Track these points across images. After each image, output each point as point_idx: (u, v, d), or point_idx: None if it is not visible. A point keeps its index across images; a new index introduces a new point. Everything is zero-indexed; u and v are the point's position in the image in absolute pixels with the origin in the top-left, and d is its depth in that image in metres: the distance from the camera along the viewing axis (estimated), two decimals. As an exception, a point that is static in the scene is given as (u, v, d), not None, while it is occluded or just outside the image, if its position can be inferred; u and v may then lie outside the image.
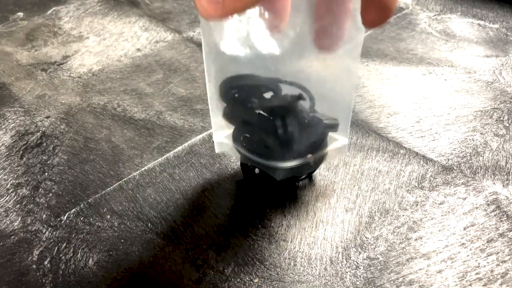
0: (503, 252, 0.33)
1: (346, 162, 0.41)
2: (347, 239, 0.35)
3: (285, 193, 0.39)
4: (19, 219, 0.37)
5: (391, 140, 0.44)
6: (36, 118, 0.47)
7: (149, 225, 0.36)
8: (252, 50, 0.27)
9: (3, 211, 0.37)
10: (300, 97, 0.31)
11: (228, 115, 0.33)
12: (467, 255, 0.33)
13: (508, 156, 0.42)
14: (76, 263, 0.33)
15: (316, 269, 0.33)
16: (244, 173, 0.39)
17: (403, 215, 0.36)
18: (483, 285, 0.31)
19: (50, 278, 0.32)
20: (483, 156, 0.42)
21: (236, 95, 0.32)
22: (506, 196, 0.38)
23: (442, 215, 0.36)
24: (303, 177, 0.39)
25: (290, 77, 0.30)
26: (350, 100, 0.33)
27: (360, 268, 0.33)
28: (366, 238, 0.35)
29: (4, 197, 0.38)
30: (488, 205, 0.37)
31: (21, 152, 0.43)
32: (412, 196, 0.38)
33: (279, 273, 0.32)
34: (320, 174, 0.40)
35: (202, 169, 0.41)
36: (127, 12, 0.68)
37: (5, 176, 0.40)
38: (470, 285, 0.31)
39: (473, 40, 0.60)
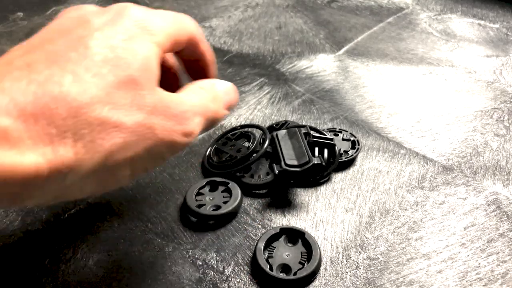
0: (503, 252, 0.33)
1: (346, 162, 0.41)
2: (347, 239, 0.35)
3: (285, 193, 0.39)
4: (19, 219, 0.36)
5: (391, 140, 0.44)
6: (36, 118, 0.47)
7: (149, 225, 0.36)
8: None
9: (3, 211, 0.37)
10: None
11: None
12: (468, 255, 0.33)
13: (508, 156, 0.42)
14: (76, 263, 0.33)
15: (316, 269, 0.33)
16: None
17: (403, 215, 0.36)
18: (483, 285, 0.31)
19: (50, 278, 0.32)
20: (484, 156, 0.42)
21: None
22: (506, 196, 0.38)
23: (442, 215, 0.36)
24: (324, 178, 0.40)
25: None
26: None
27: (360, 268, 0.32)
28: (366, 238, 0.35)
29: (4, 197, 0.38)
30: (488, 205, 0.37)
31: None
32: (413, 196, 0.38)
33: (279, 273, 0.32)
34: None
35: (202, 169, 0.41)
36: (127, 12, 0.68)
37: (5, 176, 0.40)
38: (471, 285, 0.31)
39: (473, 40, 0.60)
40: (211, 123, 0.27)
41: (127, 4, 0.26)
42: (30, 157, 0.19)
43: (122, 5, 0.26)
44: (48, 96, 0.20)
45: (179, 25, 0.27)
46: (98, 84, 0.21)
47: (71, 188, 0.21)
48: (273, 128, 0.44)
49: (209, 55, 0.31)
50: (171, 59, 0.31)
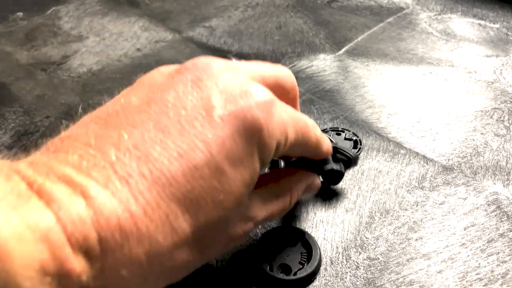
0: (504, 252, 0.33)
1: (346, 162, 0.41)
2: (347, 239, 0.35)
3: (285, 193, 0.38)
4: (19, 219, 0.36)
5: (391, 140, 0.44)
6: (36, 118, 0.47)
7: (149, 225, 0.36)
8: None
9: (3, 211, 0.37)
10: None
11: None
12: (468, 255, 0.33)
13: (508, 156, 0.42)
14: (76, 263, 0.33)
15: (316, 270, 0.32)
16: None
17: (403, 215, 0.36)
18: (483, 285, 0.31)
19: (49, 279, 0.32)
20: (484, 156, 0.42)
21: None
22: (506, 196, 0.38)
23: (442, 215, 0.36)
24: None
25: None
26: None
27: (360, 269, 0.32)
28: (366, 238, 0.35)
29: (4, 197, 0.38)
30: (488, 205, 0.37)
31: (21, 152, 0.43)
32: (413, 196, 0.38)
33: (279, 273, 0.32)
34: (320, 174, 0.40)
35: (202, 169, 0.41)
36: (127, 12, 0.68)
37: (5, 176, 0.40)
38: (471, 285, 0.31)
39: (473, 40, 0.60)
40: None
41: (270, 100, 0.22)
42: None
43: (266, 99, 0.22)
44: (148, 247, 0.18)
45: (303, 134, 0.25)
46: (191, 225, 0.19)
47: None
48: None
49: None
50: None
